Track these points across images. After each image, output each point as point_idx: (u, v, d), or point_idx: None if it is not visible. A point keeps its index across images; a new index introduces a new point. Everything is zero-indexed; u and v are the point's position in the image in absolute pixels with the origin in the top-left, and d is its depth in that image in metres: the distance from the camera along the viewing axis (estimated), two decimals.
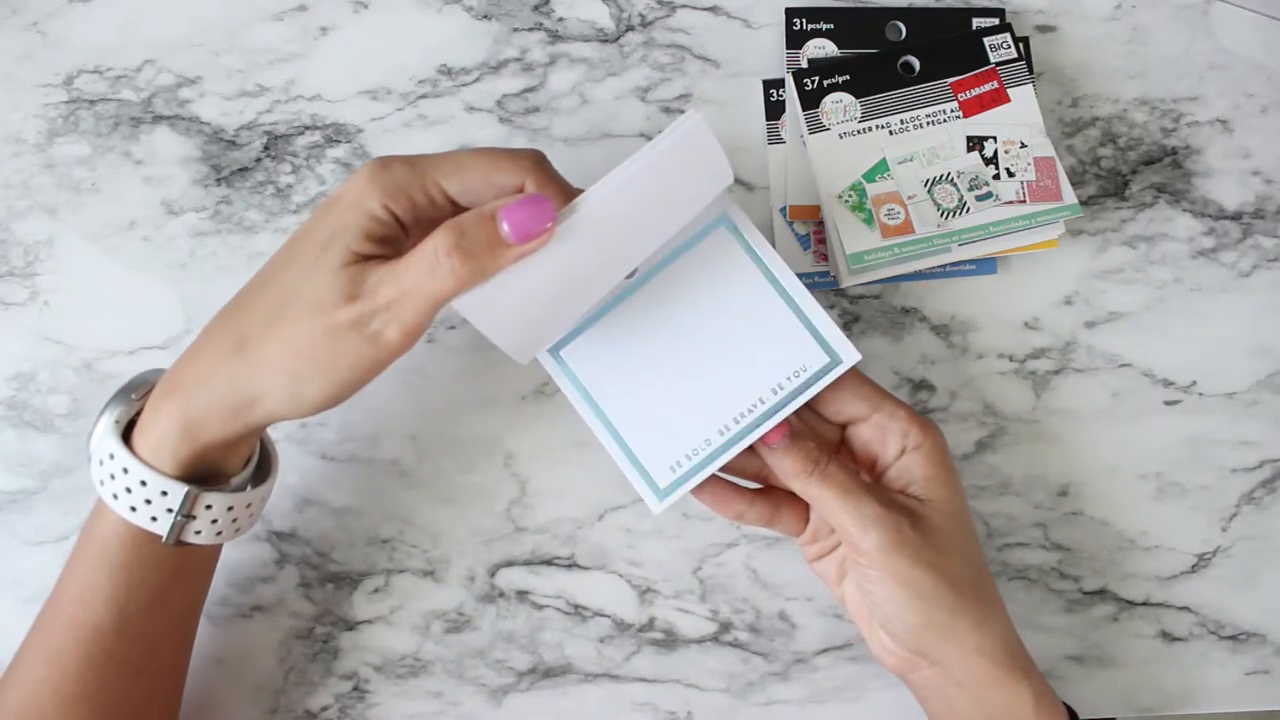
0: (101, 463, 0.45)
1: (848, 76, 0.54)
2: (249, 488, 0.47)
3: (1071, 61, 0.57)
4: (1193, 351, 0.57)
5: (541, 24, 0.55)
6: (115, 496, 0.44)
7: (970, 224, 0.53)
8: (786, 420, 0.48)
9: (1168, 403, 0.57)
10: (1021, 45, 0.55)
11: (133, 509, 0.44)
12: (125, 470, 0.44)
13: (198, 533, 0.45)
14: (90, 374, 0.54)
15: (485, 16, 0.55)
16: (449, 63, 0.55)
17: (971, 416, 0.56)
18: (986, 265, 0.56)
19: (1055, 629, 0.56)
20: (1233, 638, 0.57)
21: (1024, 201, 0.53)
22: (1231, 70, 0.57)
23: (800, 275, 0.55)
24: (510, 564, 0.56)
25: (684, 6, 0.56)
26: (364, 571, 0.55)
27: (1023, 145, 0.54)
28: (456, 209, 0.44)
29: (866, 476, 0.50)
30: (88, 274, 0.55)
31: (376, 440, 0.55)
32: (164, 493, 0.44)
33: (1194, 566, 0.57)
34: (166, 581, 0.46)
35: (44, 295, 0.55)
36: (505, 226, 0.41)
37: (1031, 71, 0.56)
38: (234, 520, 0.46)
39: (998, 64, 0.54)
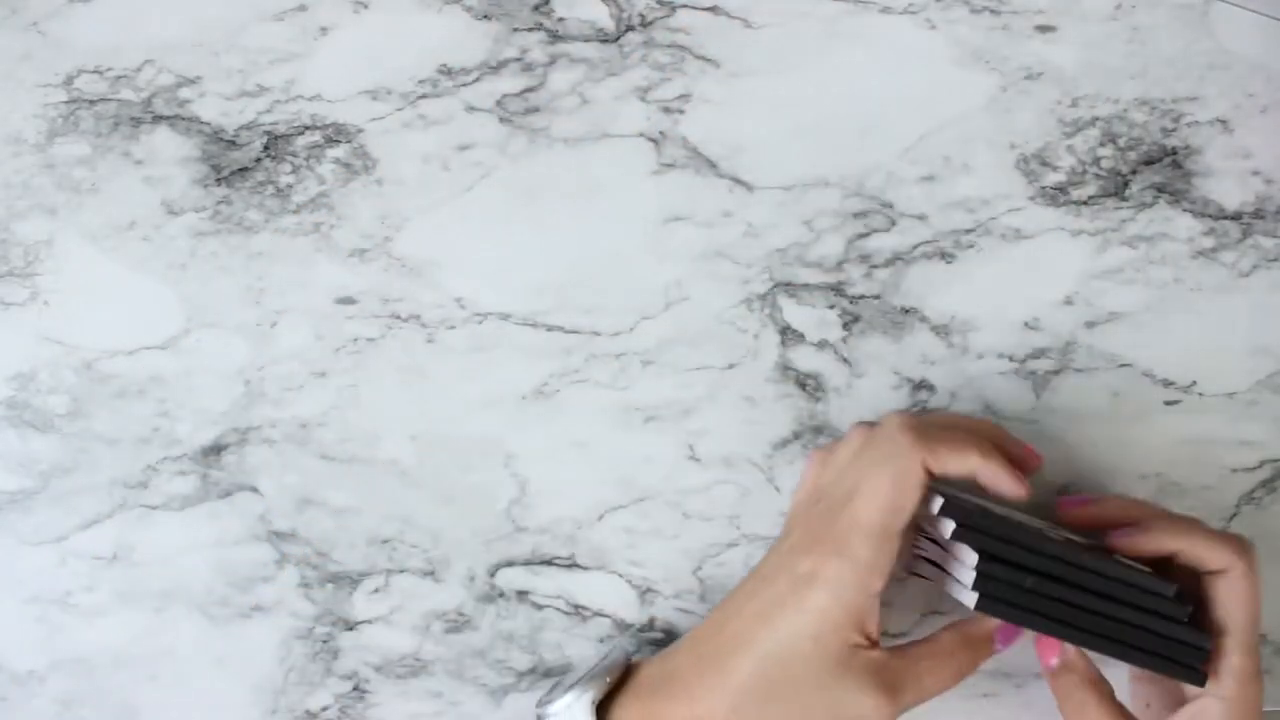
0: None
1: None
2: None
3: (1071, 61, 0.57)
4: (1193, 351, 0.57)
5: (541, 24, 0.55)
6: None
7: None
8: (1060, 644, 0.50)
9: (1168, 403, 0.57)
10: None
11: None
12: None
13: None
14: (90, 374, 0.54)
15: (485, 16, 0.55)
16: (449, 63, 0.55)
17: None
18: None
19: None
20: None
21: None
22: (1231, 70, 0.57)
23: None
24: (510, 564, 0.56)
25: (684, 6, 0.56)
26: (364, 571, 0.55)
27: None
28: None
29: None
30: (88, 274, 0.55)
31: (376, 440, 0.55)
32: None
33: None
34: None
35: (44, 295, 0.55)
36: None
37: None
38: None
39: None
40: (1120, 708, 0.49)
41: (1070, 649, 0.50)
